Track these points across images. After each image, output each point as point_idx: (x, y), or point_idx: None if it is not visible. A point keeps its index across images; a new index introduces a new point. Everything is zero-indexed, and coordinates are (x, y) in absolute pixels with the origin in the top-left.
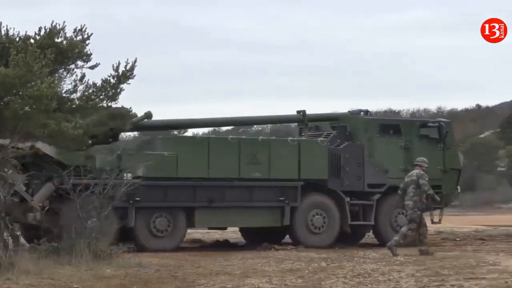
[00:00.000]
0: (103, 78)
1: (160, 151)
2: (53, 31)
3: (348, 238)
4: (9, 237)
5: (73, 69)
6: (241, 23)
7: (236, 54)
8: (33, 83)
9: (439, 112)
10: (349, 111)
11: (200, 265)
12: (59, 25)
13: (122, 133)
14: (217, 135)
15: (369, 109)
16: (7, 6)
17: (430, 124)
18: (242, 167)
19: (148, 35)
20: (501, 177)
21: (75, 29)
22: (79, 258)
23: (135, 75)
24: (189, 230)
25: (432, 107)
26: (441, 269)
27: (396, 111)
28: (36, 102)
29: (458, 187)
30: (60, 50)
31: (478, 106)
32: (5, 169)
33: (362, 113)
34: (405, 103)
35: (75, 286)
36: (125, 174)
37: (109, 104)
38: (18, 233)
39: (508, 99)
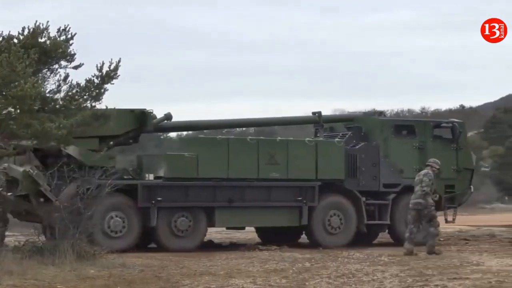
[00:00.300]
0: (87, 78)
1: (181, 151)
2: (37, 31)
3: (362, 238)
4: None
5: (56, 69)
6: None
7: (210, 54)
8: (16, 83)
9: (423, 113)
10: (363, 113)
11: (184, 266)
12: (42, 25)
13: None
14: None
15: (384, 110)
16: None
17: (443, 124)
18: (261, 167)
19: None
20: (484, 178)
21: (58, 29)
22: (63, 259)
23: (119, 75)
24: None
25: (416, 107)
26: (425, 269)
27: (380, 111)
28: (19, 102)
29: (471, 186)
30: (44, 50)
31: (462, 106)
32: (31, 170)
33: (376, 114)
34: (388, 103)
35: (59, 286)
36: (146, 175)
37: (93, 104)
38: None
39: (491, 100)
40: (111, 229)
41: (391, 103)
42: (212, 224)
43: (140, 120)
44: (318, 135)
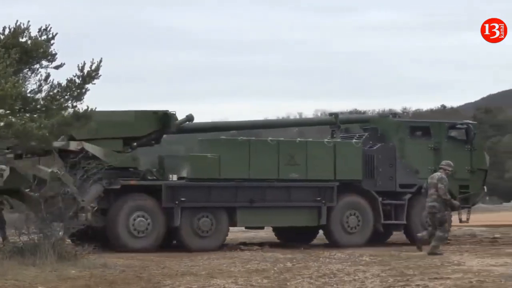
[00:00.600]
0: (68, 78)
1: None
2: (18, 31)
3: (378, 237)
4: None
5: (37, 69)
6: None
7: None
8: None
9: (404, 113)
10: (378, 114)
11: (166, 266)
12: (23, 24)
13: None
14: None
15: (398, 112)
16: None
17: (458, 125)
18: (281, 168)
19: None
20: None
21: (39, 29)
22: (44, 259)
23: (100, 75)
24: None
25: (398, 107)
26: (406, 269)
27: (362, 111)
28: (0, 101)
29: (485, 187)
30: (25, 49)
31: (443, 106)
32: (58, 171)
33: (391, 115)
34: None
35: (40, 287)
36: (170, 176)
37: (74, 104)
38: None
39: (472, 100)
40: (135, 228)
41: (373, 103)
42: (233, 224)
43: (162, 122)
44: (334, 136)
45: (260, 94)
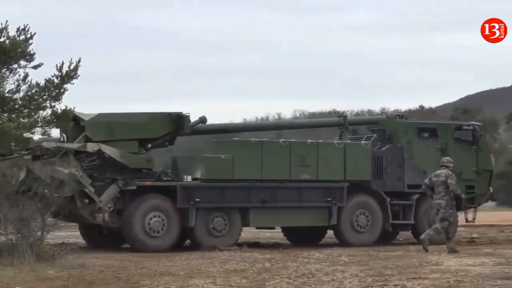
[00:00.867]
0: (47, 78)
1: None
2: None
3: (386, 237)
4: None
5: (16, 69)
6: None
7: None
8: None
9: (383, 113)
10: (386, 116)
11: (144, 266)
12: (1, 24)
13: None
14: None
15: (404, 114)
16: None
17: (464, 127)
18: (293, 169)
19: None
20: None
21: (18, 29)
22: (22, 259)
23: (79, 75)
24: None
25: (376, 108)
26: (384, 269)
27: (340, 112)
28: None
29: (490, 187)
30: (3, 49)
31: (422, 107)
32: (76, 172)
33: (397, 117)
34: (349, 103)
35: (18, 287)
36: (185, 176)
37: (53, 104)
38: None
39: (450, 101)
40: (151, 229)
41: (351, 103)
42: (246, 224)
43: (176, 123)
44: (342, 137)
45: (239, 94)
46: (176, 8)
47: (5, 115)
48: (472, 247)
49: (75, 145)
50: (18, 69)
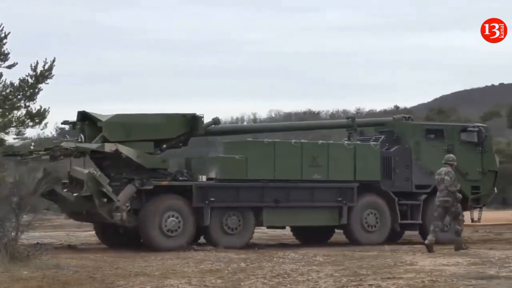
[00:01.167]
0: (21, 78)
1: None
2: None
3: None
4: None
5: None
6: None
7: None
8: None
9: (358, 113)
10: (393, 117)
11: (119, 266)
12: None
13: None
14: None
15: (411, 116)
16: None
17: (470, 128)
18: (304, 169)
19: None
20: None
21: None
22: None
23: (53, 75)
24: None
25: (351, 108)
26: (359, 269)
27: (316, 112)
28: None
29: (495, 188)
30: None
31: (397, 107)
32: (94, 171)
33: (404, 118)
34: (324, 103)
35: None
36: (200, 176)
37: (27, 104)
38: None
39: (425, 101)
40: (168, 228)
41: (327, 103)
42: (259, 223)
43: (191, 124)
44: (351, 139)
45: (215, 95)
46: (145, 6)
47: None
48: (447, 247)
49: (93, 145)
50: None
